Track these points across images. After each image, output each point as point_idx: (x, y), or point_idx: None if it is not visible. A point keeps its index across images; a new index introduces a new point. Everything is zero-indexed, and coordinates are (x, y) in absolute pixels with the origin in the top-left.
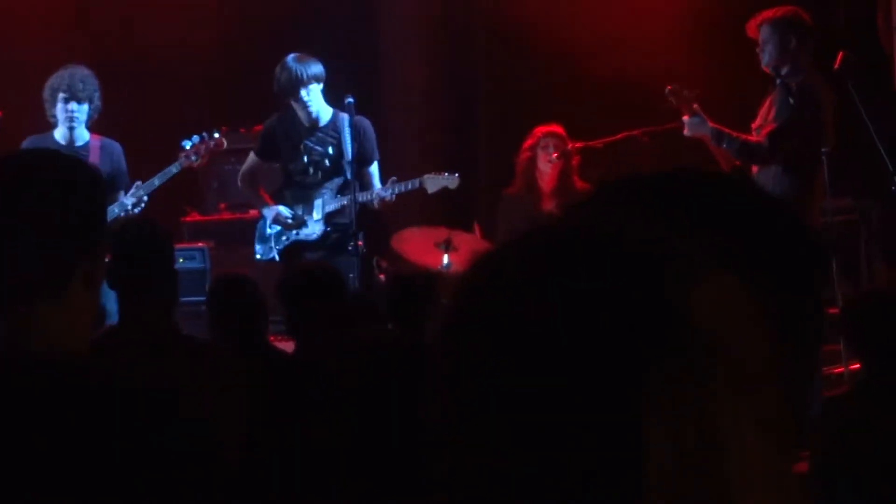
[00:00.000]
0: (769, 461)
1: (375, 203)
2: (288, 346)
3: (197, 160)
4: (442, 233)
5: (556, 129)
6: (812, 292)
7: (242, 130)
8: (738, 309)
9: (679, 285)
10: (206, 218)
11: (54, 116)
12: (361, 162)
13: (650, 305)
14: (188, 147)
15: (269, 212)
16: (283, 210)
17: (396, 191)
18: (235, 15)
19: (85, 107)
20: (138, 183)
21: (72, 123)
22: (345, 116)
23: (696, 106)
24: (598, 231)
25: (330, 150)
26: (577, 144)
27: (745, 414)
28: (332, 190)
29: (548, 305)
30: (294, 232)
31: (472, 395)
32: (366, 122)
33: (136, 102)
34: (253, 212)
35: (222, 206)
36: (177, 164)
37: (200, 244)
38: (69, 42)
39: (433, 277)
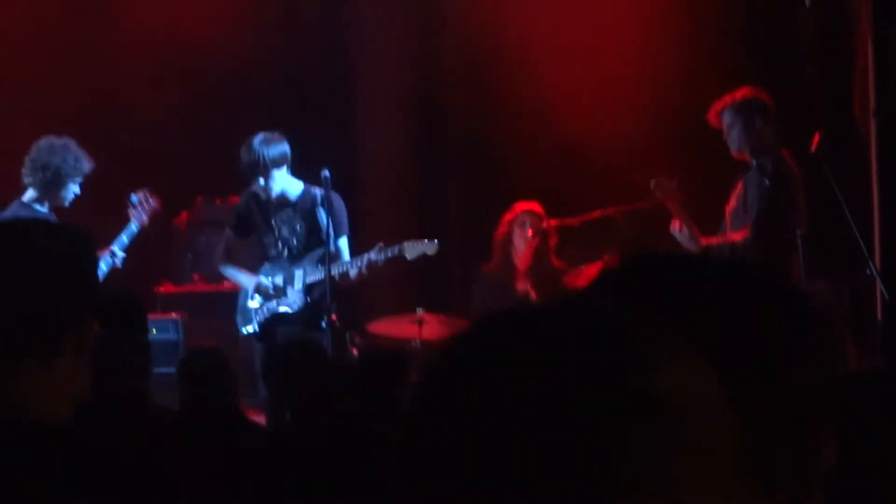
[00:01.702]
0: None
1: (352, 275)
2: (260, 418)
3: (146, 220)
4: (415, 315)
5: (534, 206)
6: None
7: (217, 202)
8: (702, 393)
9: (644, 368)
10: (180, 289)
11: (57, 193)
12: (334, 236)
13: (614, 388)
14: (135, 205)
15: (250, 282)
16: (264, 280)
17: (382, 257)
18: (209, 83)
19: None
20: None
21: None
22: (317, 192)
23: (678, 225)
24: (567, 311)
25: (298, 227)
26: (553, 222)
27: (709, 497)
28: (312, 261)
29: (511, 387)
30: (275, 303)
31: (440, 474)
32: (336, 197)
33: (108, 170)
34: (227, 284)
35: (196, 276)
36: (134, 222)
37: (174, 315)
38: (43, 106)
39: (405, 353)
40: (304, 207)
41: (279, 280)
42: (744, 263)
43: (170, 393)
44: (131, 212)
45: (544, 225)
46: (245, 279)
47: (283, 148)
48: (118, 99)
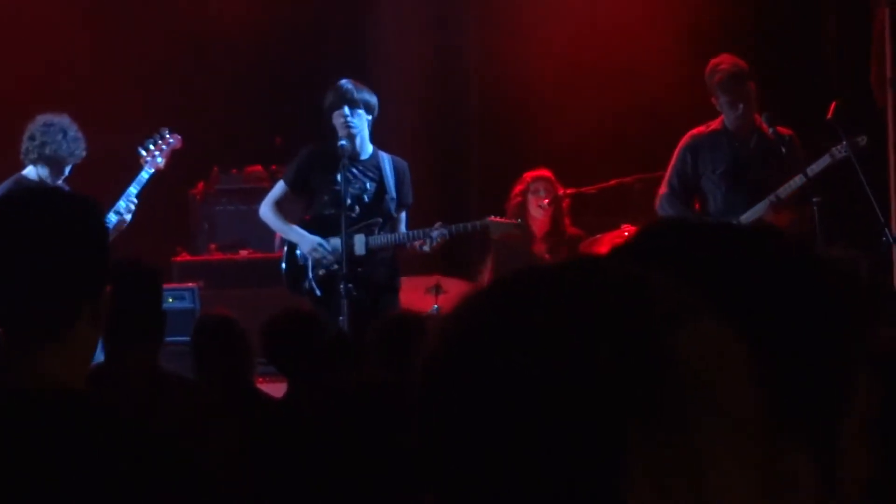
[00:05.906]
0: None
1: (424, 248)
2: (272, 388)
3: (162, 162)
4: (432, 279)
5: (545, 173)
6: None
7: (234, 171)
8: (724, 352)
9: (665, 326)
10: (197, 258)
11: (65, 157)
12: (398, 205)
13: (634, 346)
14: (149, 149)
15: (306, 244)
16: (324, 244)
17: (455, 231)
18: (227, 55)
19: None
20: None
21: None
22: (385, 155)
23: None
24: (586, 271)
25: (369, 185)
26: (569, 190)
27: (731, 460)
28: (370, 227)
29: (531, 346)
30: (335, 268)
31: (453, 438)
32: (406, 165)
33: (123, 140)
34: (244, 253)
35: (213, 246)
36: (146, 169)
37: (190, 284)
38: (59, 76)
39: (422, 319)
40: (374, 168)
41: (337, 244)
42: (768, 229)
43: (185, 361)
44: (143, 159)
45: (558, 191)
46: (297, 237)
47: (373, 97)
48: (133, 69)
